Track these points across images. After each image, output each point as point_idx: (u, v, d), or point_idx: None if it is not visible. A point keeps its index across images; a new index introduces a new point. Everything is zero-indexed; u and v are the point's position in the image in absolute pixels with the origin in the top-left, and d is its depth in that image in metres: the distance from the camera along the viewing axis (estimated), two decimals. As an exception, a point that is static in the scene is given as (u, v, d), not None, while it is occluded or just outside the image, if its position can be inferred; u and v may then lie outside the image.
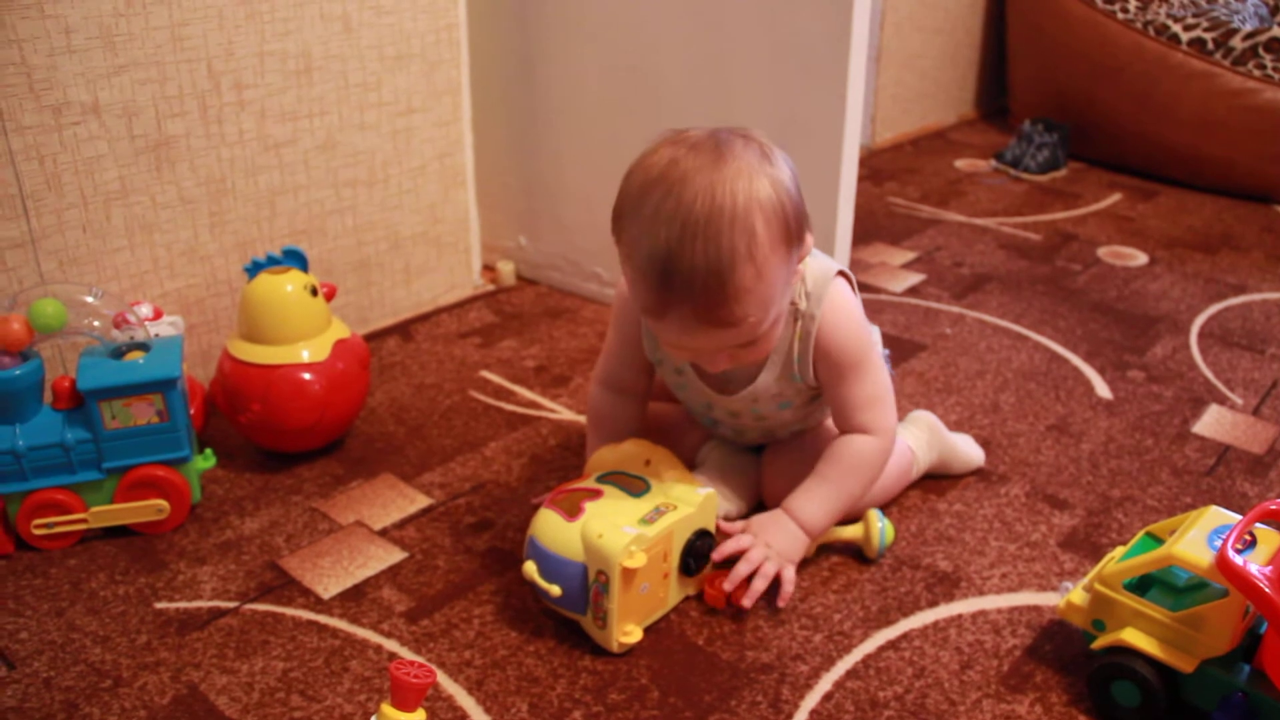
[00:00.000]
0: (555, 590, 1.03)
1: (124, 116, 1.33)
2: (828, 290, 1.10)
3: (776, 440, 1.26)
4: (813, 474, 1.15)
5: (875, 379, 1.14)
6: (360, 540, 1.22)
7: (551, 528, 1.05)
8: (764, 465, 1.26)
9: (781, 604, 1.10)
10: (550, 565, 1.04)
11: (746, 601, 1.09)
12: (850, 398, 1.14)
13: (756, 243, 0.96)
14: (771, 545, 1.11)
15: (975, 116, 3.16)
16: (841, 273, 1.13)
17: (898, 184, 2.55)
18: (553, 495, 1.09)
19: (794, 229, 1.00)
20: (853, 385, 1.13)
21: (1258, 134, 2.39)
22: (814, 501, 1.13)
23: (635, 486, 1.09)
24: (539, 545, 1.05)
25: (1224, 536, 0.93)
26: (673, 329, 1.00)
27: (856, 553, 1.20)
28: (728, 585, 1.09)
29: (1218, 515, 1.00)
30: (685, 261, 0.95)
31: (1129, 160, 2.62)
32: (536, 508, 1.11)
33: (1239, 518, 0.97)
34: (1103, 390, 1.57)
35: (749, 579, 1.10)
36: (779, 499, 1.21)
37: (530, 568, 1.05)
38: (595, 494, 1.07)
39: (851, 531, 1.19)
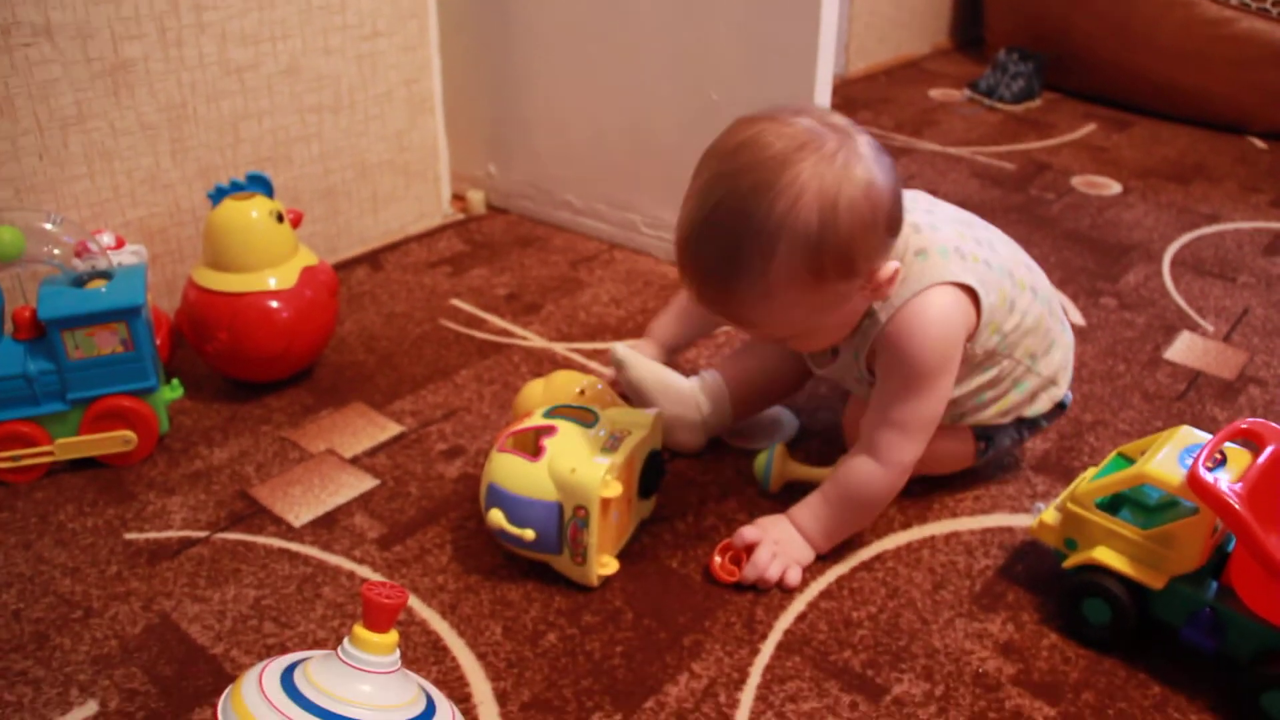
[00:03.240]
0: (529, 534, 1.00)
1: (78, 38, 1.29)
2: (917, 298, 1.02)
3: None
4: (819, 491, 1.08)
5: (920, 406, 1.04)
6: (331, 468, 1.21)
7: (515, 471, 1.02)
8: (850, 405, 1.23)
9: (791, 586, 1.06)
10: (519, 509, 1.00)
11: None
12: (885, 403, 1.05)
13: (771, 268, 0.92)
14: (780, 543, 1.06)
15: (950, 46, 3.13)
16: (959, 284, 1.03)
17: (871, 113, 2.52)
18: (503, 438, 1.06)
19: (831, 265, 0.93)
20: (892, 394, 1.04)
21: (1234, 64, 2.38)
22: (818, 521, 1.07)
23: (585, 418, 1.06)
24: (503, 491, 1.01)
25: (1195, 455, 0.93)
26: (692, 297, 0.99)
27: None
28: (729, 577, 1.06)
29: (1189, 435, 1.01)
30: (696, 253, 0.94)
31: (1104, 90, 2.61)
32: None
33: (1210, 437, 0.97)
34: (1076, 317, 1.57)
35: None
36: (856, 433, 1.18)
37: (497, 515, 1.01)
38: (550, 430, 1.04)
39: (821, 473, 1.16)
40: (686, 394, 1.22)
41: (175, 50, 1.39)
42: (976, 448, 1.17)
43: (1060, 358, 1.16)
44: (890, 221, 0.97)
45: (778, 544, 1.05)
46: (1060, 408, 1.19)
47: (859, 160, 0.94)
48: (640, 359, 1.24)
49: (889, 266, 0.98)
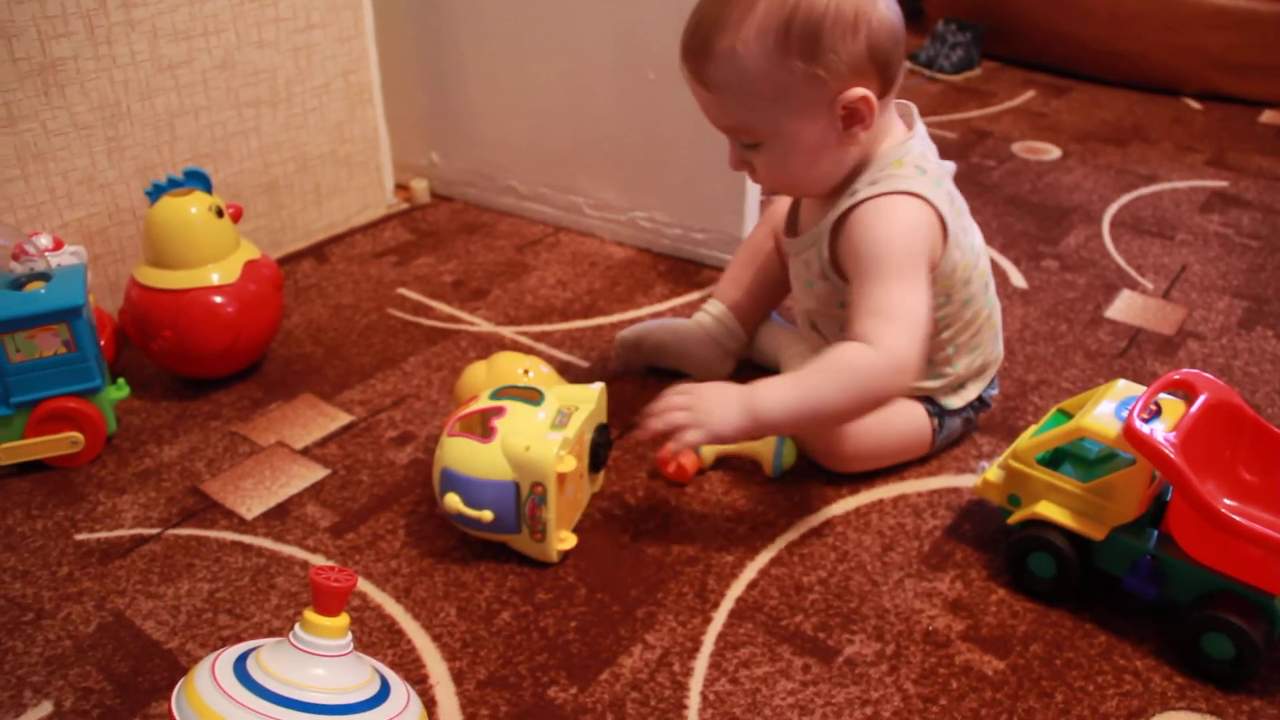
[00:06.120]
0: (487, 515, 1.00)
1: (3, 38, 1.27)
2: (886, 200, 1.04)
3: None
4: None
5: (896, 292, 1.01)
6: (282, 460, 1.21)
7: (468, 454, 1.02)
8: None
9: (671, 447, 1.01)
10: (475, 491, 1.01)
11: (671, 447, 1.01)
12: (859, 300, 1.02)
13: (747, 19, 0.99)
14: (699, 405, 1.00)
15: (890, 20, 3.15)
16: (922, 198, 1.04)
17: (814, 89, 2.53)
18: (451, 423, 1.06)
19: (798, 36, 0.99)
20: (864, 287, 1.02)
21: (1167, 27, 2.41)
22: (776, 388, 1.01)
23: (532, 396, 1.06)
24: (457, 475, 1.02)
25: (1130, 407, 0.95)
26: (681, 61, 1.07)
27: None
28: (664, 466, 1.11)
29: (1126, 388, 1.03)
30: (696, 10, 1.04)
31: (1042, 58, 2.63)
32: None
33: (1145, 389, 0.99)
34: (1018, 280, 1.59)
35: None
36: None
37: (453, 499, 1.01)
38: (500, 411, 1.04)
39: (752, 447, 1.17)
40: (696, 330, 1.33)
41: (106, 48, 1.37)
42: (931, 424, 1.18)
43: (979, 364, 1.18)
44: (874, 49, 1.01)
45: (699, 399, 1.01)
46: (981, 402, 1.22)
47: None
48: (644, 326, 1.35)
49: (859, 91, 1.01)
